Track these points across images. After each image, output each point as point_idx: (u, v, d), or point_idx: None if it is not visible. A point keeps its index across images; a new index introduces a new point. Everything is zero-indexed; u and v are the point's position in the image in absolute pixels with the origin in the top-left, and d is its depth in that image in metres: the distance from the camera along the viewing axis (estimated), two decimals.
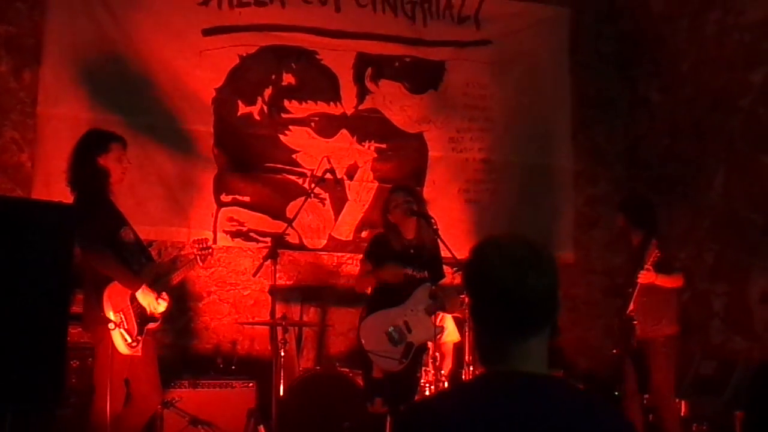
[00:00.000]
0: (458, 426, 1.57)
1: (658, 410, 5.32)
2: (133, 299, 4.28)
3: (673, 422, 5.27)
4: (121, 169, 4.46)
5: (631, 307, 5.13)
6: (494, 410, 1.58)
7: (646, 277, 5.07)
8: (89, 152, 4.41)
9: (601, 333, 6.61)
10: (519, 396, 1.60)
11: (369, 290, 5.69)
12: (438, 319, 4.76)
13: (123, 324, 4.20)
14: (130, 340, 4.20)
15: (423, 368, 4.55)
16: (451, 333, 5.03)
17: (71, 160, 4.43)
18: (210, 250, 4.74)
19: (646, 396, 5.39)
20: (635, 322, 5.14)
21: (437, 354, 4.53)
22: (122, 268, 4.26)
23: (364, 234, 6.18)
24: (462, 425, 1.57)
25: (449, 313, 4.93)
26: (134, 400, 4.35)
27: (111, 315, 4.17)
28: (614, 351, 5.42)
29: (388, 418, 4.70)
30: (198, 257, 4.66)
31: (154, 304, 4.34)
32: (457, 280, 4.75)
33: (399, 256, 4.90)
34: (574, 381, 5.54)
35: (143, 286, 4.30)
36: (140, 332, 4.27)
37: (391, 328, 4.69)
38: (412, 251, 4.90)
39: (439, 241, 4.95)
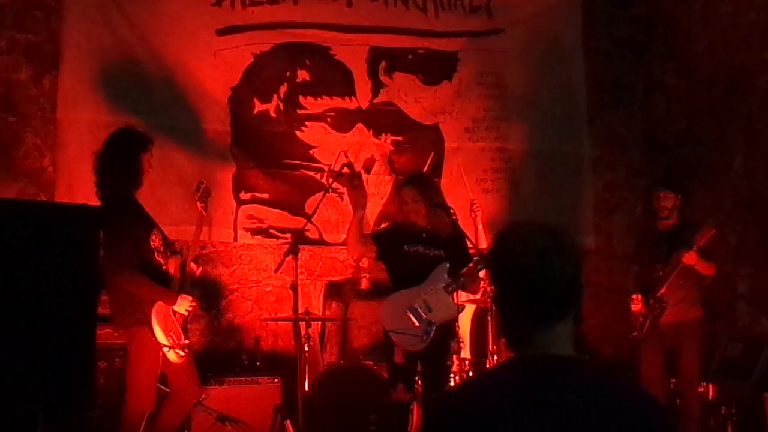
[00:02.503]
0: (492, 410, 1.57)
1: (684, 394, 5.29)
2: (174, 311, 4.27)
3: (696, 406, 5.25)
4: (149, 171, 4.39)
5: (664, 290, 5.11)
6: (526, 393, 1.59)
7: (691, 257, 5.01)
8: (134, 149, 4.26)
9: (625, 319, 6.57)
10: (549, 378, 1.61)
11: (365, 285, 5.71)
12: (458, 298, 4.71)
13: (174, 342, 4.17)
14: (182, 353, 4.22)
15: (452, 356, 4.52)
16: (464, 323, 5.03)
17: (108, 158, 4.25)
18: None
19: (673, 381, 5.39)
20: (665, 304, 5.12)
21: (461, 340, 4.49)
22: (155, 286, 4.19)
23: (383, 227, 6.19)
24: (495, 409, 1.57)
25: (470, 294, 4.92)
26: (173, 392, 4.33)
27: (163, 339, 4.15)
28: (634, 334, 5.33)
29: (414, 405, 4.70)
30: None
31: (187, 305, 4.29)
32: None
33: (412, 238, 4.89)
34: None
35: (178, 298, 4.26)
36: (185, 337, 4.30)
37: (411, 308, 4.67)
38: (424, 235, 4.89)
39: (459, 229, 4.93)
